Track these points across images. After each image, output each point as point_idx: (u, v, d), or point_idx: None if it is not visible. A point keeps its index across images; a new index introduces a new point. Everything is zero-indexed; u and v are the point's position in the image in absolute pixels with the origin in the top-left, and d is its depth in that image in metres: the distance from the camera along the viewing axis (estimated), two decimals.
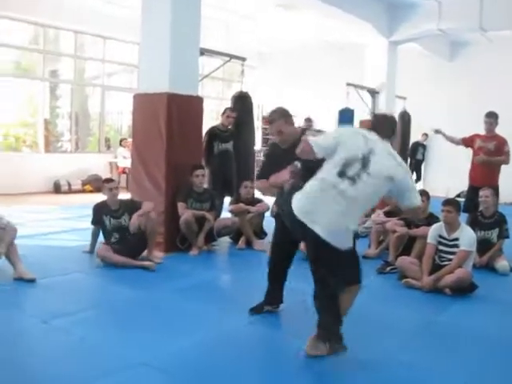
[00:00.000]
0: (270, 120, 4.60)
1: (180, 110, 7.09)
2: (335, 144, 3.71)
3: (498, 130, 8.08)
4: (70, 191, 12.90)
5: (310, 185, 3.70)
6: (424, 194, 6.87)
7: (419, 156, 15.31)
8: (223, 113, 8.26)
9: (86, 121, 15.31)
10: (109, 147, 14.76)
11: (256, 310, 4.79)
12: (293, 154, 3.92)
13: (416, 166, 15.46)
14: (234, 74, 15.16)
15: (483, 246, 6.93)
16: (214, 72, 9.05)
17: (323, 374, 3.77)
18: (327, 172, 3.69)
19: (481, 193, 7.14)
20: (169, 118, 7.01)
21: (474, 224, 7.05)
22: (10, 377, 3.56)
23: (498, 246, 7.08)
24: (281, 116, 4.55)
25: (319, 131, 10.45)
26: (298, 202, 3.67)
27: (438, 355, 4.18)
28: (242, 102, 8.62)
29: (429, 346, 4.40)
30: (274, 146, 4.80)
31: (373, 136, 3.82)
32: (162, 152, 7.07)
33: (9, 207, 9.92)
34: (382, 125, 4.04)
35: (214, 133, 8.09)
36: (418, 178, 15.65)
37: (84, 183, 13.15)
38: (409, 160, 14.99)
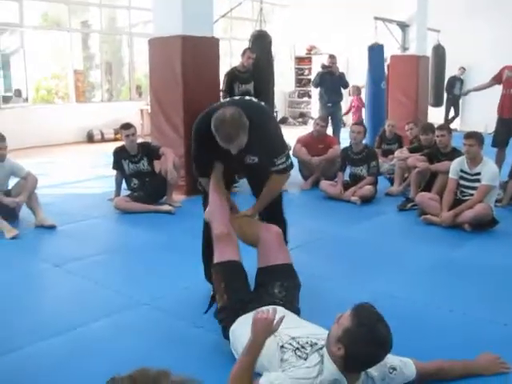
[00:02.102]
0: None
1: (195, 52, 7.00)
2: None
3: None
4: (103, 140, 13.01)
5: None
6: (445, 127, 6.71)
7: (456, 91, 14.80)
8: (243, 53, 8.11)
9: (119, 70, 15.31)
10: (140, 94, 14.77)
11: None
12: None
13: (453, 102, 14.99)
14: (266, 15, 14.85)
15: None
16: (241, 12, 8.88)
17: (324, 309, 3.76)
18: None
19: None
20: (184, 61, 6.94)
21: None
22: (17, 315, 3.68)
23: None
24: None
25: (342, 73, 10.43)
26: None
27: (442, 290, 4.13)
28: (261, 42, 8.44)
29: (437, 281, 4.35)
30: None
31: None
32: (179, 96, 7.04)
33: (42, 158, 10.12)
34: None
35: (233, 74, 7.97)
36: (456, 114, 15.21)
37: (116, 132, 13.23)
38: (445, 95, 14.58)
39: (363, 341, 2.36)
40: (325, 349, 2.54)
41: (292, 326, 2.81)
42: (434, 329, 3.40)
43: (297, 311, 3.17)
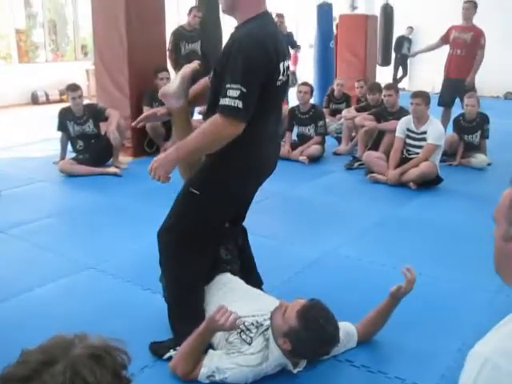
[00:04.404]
0: None
1: (139, 10, 6.80)
2: None
3: None
4: (48, 102, 12.65)
5: None
6: (393, 87, 6.77)
7: (404, 50, 14.87)
8: (189, 12, 7.97)
9: (63, 29, 14.84)
10: (85, 54, 14.39)
11: None
12: None
13: (402, 61, 15.09)
14: None
15: (468, 149, 6.85)
16: None
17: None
18: None
19: (466, 101, 6.84)
20: (128, 19, 6.74)
21: (457, 130, 6.93)
22: None
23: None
24: None
25: (290, 33, 10.34)
26: None
27: (387, 247, 4.21)
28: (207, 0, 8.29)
29: (378, 239, 4.43)
30: None
31: None
32: (123, 55, 6.84)
33: None
34: None
35: (180, 33, 7.84)
36: (404, 74, 15.33)
37: (62, 93, 12.89)
38: (393, 55, 14.65)
39: (311, 342, 2.42)
40: (270, 332, 2.56)
41: (237, 299, 2.82)
42: (377, 285, 3.46)
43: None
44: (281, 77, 2.57)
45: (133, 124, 3.19)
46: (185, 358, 2.56)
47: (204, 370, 2.52)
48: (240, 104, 2.39)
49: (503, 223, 1.27)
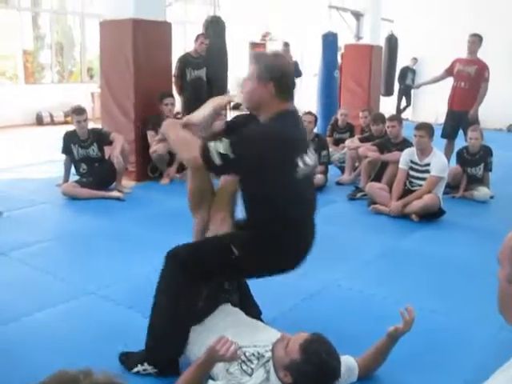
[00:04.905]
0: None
1: (147, 36, 6.89)
2: None
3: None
4: (53, 123, 12.73)
5: None
6: (396, 118, 6.79)
7: (408, 81, 14.99)
8: (196, 39, 8.04)
9: (70, 51, 14.98)
10: (91, 77, 14.49)
11: None
12: None
13: (405, 92, 15.18)
14: None
15: (471, 181, 6.86)
16: None
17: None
18: None
19: (470, 134, 6.86)
20: (135, 45, 6.81)
21: (461, 163, 6.94)
22: None
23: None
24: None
25: (295, 62, 10.38)
26: None
27: (382, 281, 4.19)
28: (214, 27, 8.37)
29: (380, 271, 4.42)
30: None
31: None
32: (130, 80, 6.91)
33: None
34: None
35: (186, 60, 7.90)
36: (408, 104, 15.42)
37: (66, 115, 12.95)
38: (397, 86, 14.75)
39: (312, 376, 2.38)
40: (271, 364, 2.54)
41: (239, 330, 2.81)
42: (379, 317, 3.44)
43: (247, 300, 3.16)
44: (299, 169, 2.67)
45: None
46: None
47: None
48: (218, 161, 2.49)
49: (507, 265, 1.27)
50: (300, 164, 2.68)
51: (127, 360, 2.87)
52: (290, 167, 2.66)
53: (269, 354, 2.58)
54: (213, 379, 2.62)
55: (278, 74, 2.67)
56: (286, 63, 2.81)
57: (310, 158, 2.78)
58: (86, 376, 1.13)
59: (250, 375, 2.54)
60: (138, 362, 2.83)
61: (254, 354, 2.63)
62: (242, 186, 2.81)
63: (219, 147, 2.48)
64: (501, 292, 1.30)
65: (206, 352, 2.48)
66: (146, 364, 2.78)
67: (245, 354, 2.60)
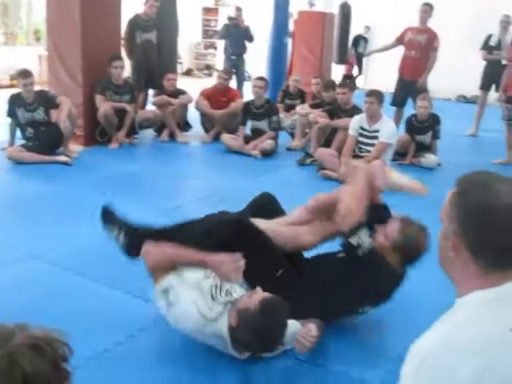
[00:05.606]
0: None
1: None
2: None
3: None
4: None
5: None
6: (347, 85, 6.82)
7: (360, 49, 15.03)
8: (146, 1, 7.85)
9: (15, 12, 14.47)
10: (38, 39, 14.07)
11: None
12: None
13: (357, 60, 15.26)
14: None
15: (419, 149, 6.99)
16: None
17: None
18: None
19: (419, 102, 6.95)
20: (83, 6, 6.59)
21: (409, 130, 7.06)
22: None
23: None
24: None
25: (247, 27, 10.30)
26: None
27: None
28: None
29: None
30: None
31: None
32: (77, 42, 6.72)
33: None
34: None
35: (135, 22, 7.72)
36: (360, 72, 15.50)
37: (12, 78, 12.58)
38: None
39: (255, 328, 2.39)
40: (230, 306, 2.57)
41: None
42: None
43: None
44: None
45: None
46: (162, 256, 2.64)
47: (165, 284, 2.58)
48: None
49: (446, 222, 1.30)
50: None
51: (109, 215, 3.06)
52: None
53: (235, 297, 2.61)
54: None
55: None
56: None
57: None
58: (22, 329, 1.13)
59: (213, 299, 2.57)
60: (118, 226, 3.02)
61: (227, 290, 2.65)
62: None
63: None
64: (440, 248, 1.35)
65: (213, 257, 2.59)
66: (122, 230, 2.96)
67: (221, 281, 2.64)
